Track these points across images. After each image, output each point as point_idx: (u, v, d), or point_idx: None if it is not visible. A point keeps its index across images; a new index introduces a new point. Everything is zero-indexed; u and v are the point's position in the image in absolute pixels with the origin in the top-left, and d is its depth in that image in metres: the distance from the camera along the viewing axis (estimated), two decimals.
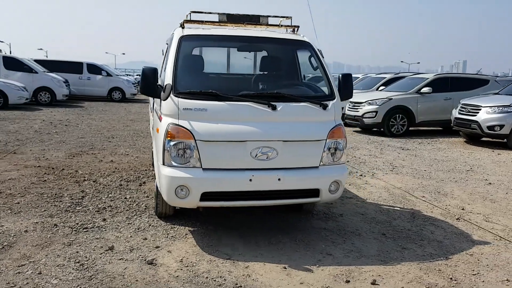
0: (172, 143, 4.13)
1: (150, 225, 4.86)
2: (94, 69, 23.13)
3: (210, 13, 5.06)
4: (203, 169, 4.15)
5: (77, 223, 4.78)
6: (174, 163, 4.15)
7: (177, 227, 4.84)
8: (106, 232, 4.60)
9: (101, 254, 4.05)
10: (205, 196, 4.18)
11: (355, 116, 13.85)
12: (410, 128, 13.67)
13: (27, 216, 4.94)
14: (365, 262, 4.14)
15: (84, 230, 4.63)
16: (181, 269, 3.83)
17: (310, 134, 4.41)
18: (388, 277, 3.86)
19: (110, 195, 5.87)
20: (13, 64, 18.60)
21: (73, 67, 22.86)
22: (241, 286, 3.57)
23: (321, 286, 3.65)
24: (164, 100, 4.26)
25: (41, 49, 71.18)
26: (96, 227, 4.73)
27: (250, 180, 4.19)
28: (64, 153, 8.61)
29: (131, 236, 4.52)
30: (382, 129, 13.42)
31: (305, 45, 5.12)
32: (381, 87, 16.42)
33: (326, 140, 4.43)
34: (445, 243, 4.70)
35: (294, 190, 4.39)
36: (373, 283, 3.73)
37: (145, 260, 3.95)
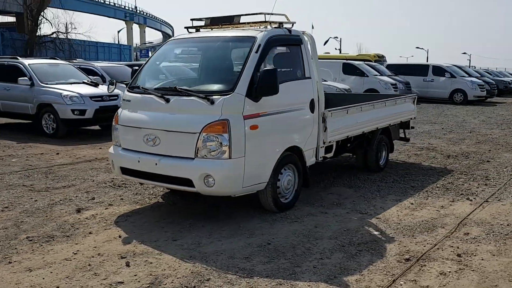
0: (112, 126, 5.44)
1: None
2: (439, 70, 22.98)
3: (200, 19, 5.79)
4: (122, 148, 5.25)
5: None
6: (113, 143, 5.44)
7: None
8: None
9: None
10: (123, 171, 5.25)
11: None
12: None
13: None
14: None
15: None
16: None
17: (186, 126, 4.70)
18: None
19: None
20: (350, 69, 21.22)
21: (419, 69, 23.52)
22: None
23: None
24: None
25: (464, 53, 72.01)
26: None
27: (138, 161, 4.98)
28: None
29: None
30: None
31: (245, 41, 5.12)
32: None
33: (200, 133, 4.58)
34: None
35: (169, 176, 4.79)
36: None
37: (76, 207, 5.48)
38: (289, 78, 5.41)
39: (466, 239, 4.62)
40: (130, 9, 61.41)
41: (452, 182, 6.88)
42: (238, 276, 3.77)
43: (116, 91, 8.63)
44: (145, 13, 66.74)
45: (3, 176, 6.94)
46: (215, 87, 4.91)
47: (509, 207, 5.67)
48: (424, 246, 4.45)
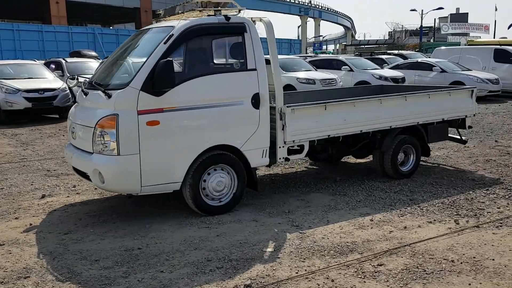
0: None
1: None
2: None
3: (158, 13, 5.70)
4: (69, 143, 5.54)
5: None
6: None
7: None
8: None
9: None
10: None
11: None
12: None
13: None
14: None
15: None
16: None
17: (86, 120, 4.74)
18: None
19: None
20: (503, 56, 18.11)
21: None
22: None
23: None
24: None
25: None
26: None
27: (66, 153, 5.21)
28: None
29: None
30: None
31: (164, 32, 4.86)
32: None
33: (94, 128, 4.57)
34: None
35: (80, 170, 4.89)
36: None
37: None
38: (215, 71, 4.97)
39: (364, 272, 3.65)
40: (305, 3, 62.57)
41: (473, 198, 5.43)
42: (63, 278, 3.67)
43: None
44: (320, 7, 67.26)
45: None
46: (118, 80, 4.79)
47: (493, 237, 4.26)
48: (297, 272, 3.66)
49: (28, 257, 4.06)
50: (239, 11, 5.21)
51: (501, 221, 4.67)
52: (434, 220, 4.76)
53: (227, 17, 5.02)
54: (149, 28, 5.46)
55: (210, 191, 4.94)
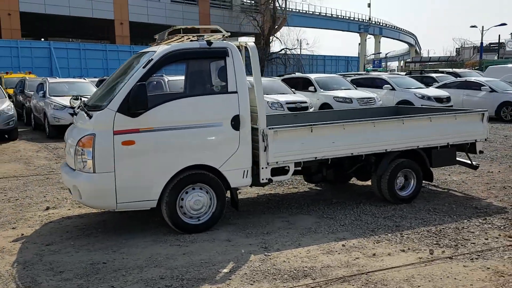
0: None
1: None
2: None
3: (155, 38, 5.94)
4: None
5: None
6: None
7: None
8: None
9: None
10: None
11: None
12: None
13: None
14: None
15: None
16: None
17: (72, 139, 5.04)
18: None
19: None
20: None
21: None
22: None
23: None
24: None
25: None
26: None
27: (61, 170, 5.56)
28: None
29: None
30: None
31: (147, 56, 5.10)
32: None
33: (76, 146, 4.87)
34: None
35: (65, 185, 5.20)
36: None
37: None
38: (195, 93, 5.13)
39: None
40: (365, 20, 61.88)
41: (464, 228, 5.18)
42: (23, 286, 3.93)
43: None
44: (381, 23, 66.25)
45: None
46: (101, 102, 5.05)
47: (461, 270, 4.05)
48: None
49: (3, 265, 4.37)
50: (223, 36, 5.35)
51: (480, 253, 4.43)
52: (409, 248, 4.60)
53: (209, 42, 5.18)
54: (145, 52, 5.73)
55: (187, 210, 5.07)
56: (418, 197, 6.38)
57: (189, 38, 5.31)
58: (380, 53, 61.19)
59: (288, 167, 5.52)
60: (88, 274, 4.14)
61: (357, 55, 57.87)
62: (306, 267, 4.20)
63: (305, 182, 7.32)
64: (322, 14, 55.89)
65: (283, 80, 17.72)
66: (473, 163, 6.84)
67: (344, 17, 59.26)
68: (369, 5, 58.48)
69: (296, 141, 5.49)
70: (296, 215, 5.79)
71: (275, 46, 48.41)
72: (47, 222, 5.67)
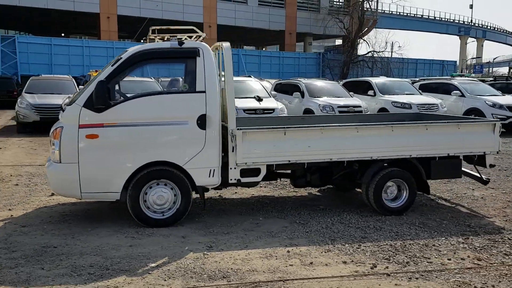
0: None
1: None
2: None
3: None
4: None
5: None
6: None
7: None
8: None
9: None
10: None
11: None
12: None
13: None
14: None
15: None
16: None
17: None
18: None
19: None
20: None
21: None
22: None
23: None
24: None
25: None
26: None
27: None
28: None
29: None
30: None
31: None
32: None
33: (51, 139, 5.27)
34: None
35: None
36: None
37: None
38: (160, 91, 5.26)
39: None
40: (466, 22, 58.01)
41: (434, 245, 4.78)
42: None
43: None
44: (483, 26, 61.63)
45: None
46: (76, 98, 5.38)
47: (383, 287, 3.76)
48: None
49: None
50: (198, 37, 5.44)
51: (426, 273, 4.06)
52: (353, 261, 4.34)
53: (180, 42, 5.29)
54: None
55: (151, 204, 5.23)
56: (414, 209, 5.98)
57: (169, 38, 5.47)
58: (480, 57, 56.87)
59: (260, 169, 5.47)
60: (32, 255, 4.45)
61: (456, 59, 54.42)
62: (231, 269, 4.16)
63: (308, 187, 7.14)
64: (413, 15, 53.34)
65: (345, 83, 17.38)
66: (483, 177, 6.22)
67: (443, 19, 55.95)
68: (471, 6, 54.79)
69: (268, 143, 5.42)
70: (270, 218, 5.71)
71: (362, 49, 47.17)
72: (42, 207, 6.15)
